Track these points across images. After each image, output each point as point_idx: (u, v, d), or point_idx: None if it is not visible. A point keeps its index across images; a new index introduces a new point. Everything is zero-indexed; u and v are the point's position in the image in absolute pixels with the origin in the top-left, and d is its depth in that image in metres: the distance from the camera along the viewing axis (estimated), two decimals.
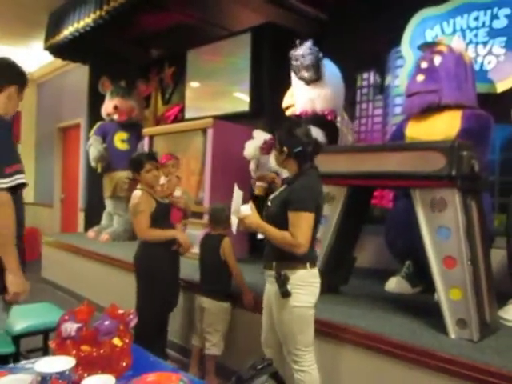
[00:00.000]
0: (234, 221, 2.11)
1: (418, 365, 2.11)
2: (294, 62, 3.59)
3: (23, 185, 1.78)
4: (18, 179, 1.75)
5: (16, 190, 1.78)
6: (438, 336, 2.26)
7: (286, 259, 2.08)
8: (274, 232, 2.06)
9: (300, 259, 2.07)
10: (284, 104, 3.94)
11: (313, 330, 2.16)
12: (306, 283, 2.08)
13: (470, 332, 2.22)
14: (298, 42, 3.58)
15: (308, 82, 3.60)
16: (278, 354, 2.22)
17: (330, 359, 2.44)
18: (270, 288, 2.19)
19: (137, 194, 2.79)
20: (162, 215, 2.80)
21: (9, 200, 1.73)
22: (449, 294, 2.30)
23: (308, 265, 2.09)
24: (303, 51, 3.52)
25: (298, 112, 3.74)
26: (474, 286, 2.26)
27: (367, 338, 2.30)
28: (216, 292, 2.86)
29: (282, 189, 2.22)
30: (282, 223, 2.05)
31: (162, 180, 3.05)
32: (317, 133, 3.42)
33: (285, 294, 2.05)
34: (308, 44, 3.55)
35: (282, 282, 2.05)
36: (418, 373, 2.11)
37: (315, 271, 2.13)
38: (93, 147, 5.36)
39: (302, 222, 2.00)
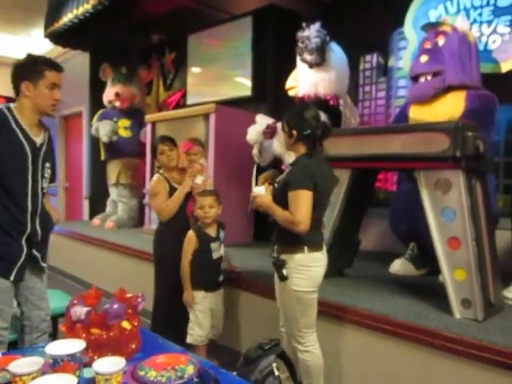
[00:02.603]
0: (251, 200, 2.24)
1: (423, 344, 2.13)
2: (299, 44, 3.55)
3: None
4: None
5: None
6: (442, 316, 2.28)
7: (285, 243, 2.12)
8: (278, 212, 2.09)
9: (298, 243, 2.08)
10: (287, 85, 3.90)
11: (315, 312, 2.18)
12: (304, 267, 2.09)
13: (474, 312, 2.24)
14: (304, 24, 3.53)
15: (310, 65, 3.57)
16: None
17: (336, 340, 2.47)
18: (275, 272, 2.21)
19: (153, 178, 2.86)
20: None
21: None
22: (453, 275, 2.32)
23: (306, 249, 2.08)
24: (309, 33, 3.47)
25: (300, 94, 3.71)
26: (478, 267, 2.27)
27: (372, 319, 2.32)
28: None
29: (287, 171, 2.24)
30: (285, 204, 2.08)
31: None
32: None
33: (282, 277, 2.10)
34: (316, 26, 3.49)
35: (279, 266, 2.10)
36: (423, 352, 2.13)
37: (315, 255, 2.11)
38: (101, 125, 5.32)
39: (299, 200, 2.02)
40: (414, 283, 2.96)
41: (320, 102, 3.53)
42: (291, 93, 3.85)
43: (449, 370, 2.07)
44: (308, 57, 3.53)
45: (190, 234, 2.67)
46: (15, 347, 2.13)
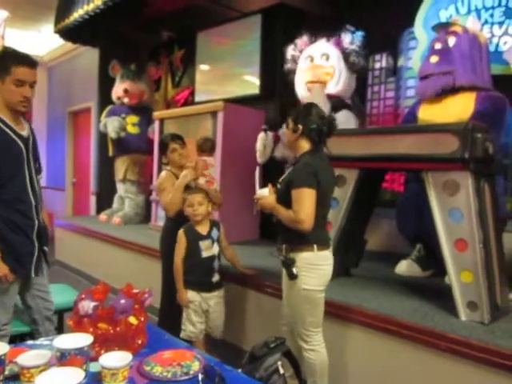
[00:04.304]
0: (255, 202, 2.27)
1: (428, 346, 2.12)
2: (350, 45, 3.66)
3: None
4: None
5: None
6: (448, 318, 2.27)
7: (293, 242, 2.12)
8: (282, 212, 2.11)
9: (306, 242, 2.09)
10: (314, 77, 3.83)
11: (322, 311, 2.19)
12: (312, 266, 2.10)
13: (480, 314, 2.23)
14: (349, 26, 3.69)
15: (359, 70, 3.75)
16: (292, 332, 2.27)
17: (341, 340, 2.47)
18: (283, 270, 2.23)
19: (161, 174, 2.91)
20: None
21: None
22: (460, 277, 2.31)
23: (315, 247, 2.10)
24: (361, 40, 3.67)
25: (334, 91, 3.68)
26: (485, 269, 2.26)
27: (378, 320, 2.32)
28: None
29: (289, 170, 2.25)
30: (288, 203, 2.09)
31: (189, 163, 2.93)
32: (349, 116, 3.49)
33: (291, 276, 2.10)
34: (361, 34, 3.69)
35: (288, 264, 2.10)
36: (428, 354, 2.13)
37: (324, 253, 2.14)
38: (109, 121, 5.34)
39: (302, 198, 2.03)
40: (420, 284, 2.95)
41: (342, 102, 3.67)
42: (312, 86, 3.77)
43: (454, 372, 2.06)
44: (362, 61, 3.72)
45: (180, 232, 2.67)
46: (32, 339, 2.15)
